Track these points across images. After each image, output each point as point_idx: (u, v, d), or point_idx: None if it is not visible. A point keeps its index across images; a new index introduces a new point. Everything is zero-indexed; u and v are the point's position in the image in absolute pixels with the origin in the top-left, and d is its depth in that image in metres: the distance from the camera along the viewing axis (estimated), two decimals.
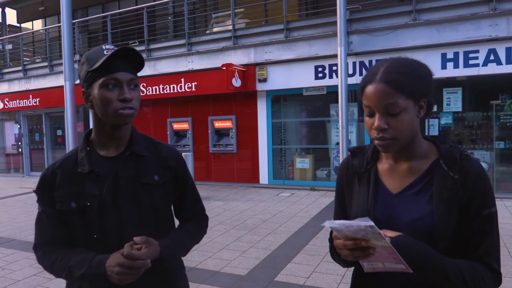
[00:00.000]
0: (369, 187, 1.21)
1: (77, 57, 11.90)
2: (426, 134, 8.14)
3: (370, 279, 1.20)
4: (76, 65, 11.77)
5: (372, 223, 0.98)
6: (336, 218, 1.34)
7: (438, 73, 7.77)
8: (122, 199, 1.32)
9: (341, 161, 7.91)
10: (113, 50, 1.27)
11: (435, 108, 8.10)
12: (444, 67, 7.74)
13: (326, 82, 8.81)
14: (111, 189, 1.31)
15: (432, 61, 7.79)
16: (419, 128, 1.17)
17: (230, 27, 9.82)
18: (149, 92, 10.78)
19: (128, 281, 1.20)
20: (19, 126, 14.07)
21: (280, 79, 9.25)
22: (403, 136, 1.11)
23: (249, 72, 9.46)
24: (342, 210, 1.31)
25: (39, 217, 1.38)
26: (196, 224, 1.51)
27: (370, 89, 1.09)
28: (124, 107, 1.28)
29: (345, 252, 1.06)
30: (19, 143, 14.12)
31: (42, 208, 1.35)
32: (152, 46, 10.85)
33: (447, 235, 1.09)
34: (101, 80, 1.26)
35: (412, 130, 1.12)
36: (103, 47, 1.30)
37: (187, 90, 10.14)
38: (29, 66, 13.41)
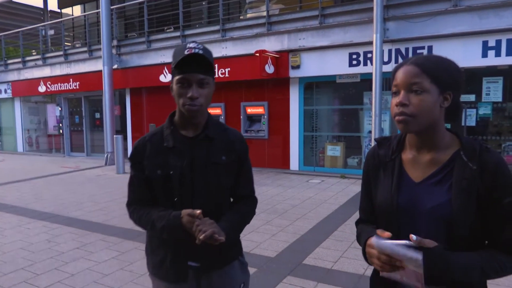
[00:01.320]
0: (393, 176, 1.29)
1: (114, 42, 12.23)
2: (463, 124, 7.94)
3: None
4: (114, 50, 12.15)
5: (421, 258, 1.04)
6: (362, 203, 1.44)
7: (479, 61, 7.53)
8: (195, 173, 1.56)
9: None
10: (193, 50, 1.48)
11: (471, 98, 7.87)
12: (485, 55, 7.49)
13: (360, 69, 8.72)
14: (188, 164, 1.57)
15: (472, 49, 7.55)
16: (443, 120, 1.23)
17: (264, 13, 9.83)
18: None
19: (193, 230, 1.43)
20: (60, 109, 14.72)
21: (313, 66, 9.21)
22: (422, 115, 1.17)
23: (282, 58, 9.47)
24: (368, 196, 1.39)
25: (131, 180, 1.65)
26: (247, 205, 1.70)
27: (401, 70, 1.20)
28: (191, 104, 1.50)
29: (376, 262, 1.16)
30: (60, 125, 14.79)
31: (133, 173, 1.63)
32: (187, 32, 11.02)
33: (465, 223, 1.15)
34: (177, 77, 1.51)
35: (432, 114, 1.18)
36: (187, 45, 1.50)
37: (221, 76, 10.27)
38: (69, 51, 13.93)
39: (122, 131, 12.84)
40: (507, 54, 7.32)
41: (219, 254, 1.62)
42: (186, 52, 1.46)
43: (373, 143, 8.10)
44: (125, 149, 11.43)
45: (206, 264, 1.61)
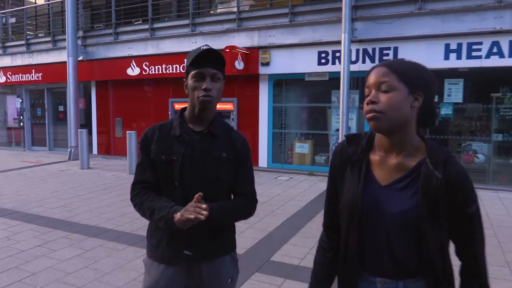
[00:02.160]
0: (360, 176, 1.30)
1: (80, 33, 11.86)
2: None
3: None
4: (79, 41, 11.77)
5: None
6: (328, 200, 1.45)
7: (441, 63, 7.80)
8: (196, 164, 1.70)
9: None
10: (205, 49, 1.65)
11: (436, 99, 8.15)
12: (447, 57, 7.77)
13: (329, 68, 8.84)
14: (190, 154, 1.70)
15: (435, 52, 7.82)
16: (414, 122, 1.25)
17: (235, 9, 9.79)
18: (151, 71, 10.80)
19: (189, 221, 1.51)
20: (21, 100, 14.11)
21: (283, 63, 9.27)
22: (391, 112, 1.19)
23: (252, 55, 9.47)
24: (334, 192, 1.40)
25: (139, 163, 1.77)
26: (243, 200, 1.78)
27: (371, 73, 1.25)
28: (205, 95, 1.65)
29: None
30: (21, 117, 14.19)
31: (141, 156, 1.77)
32: (156, 25, 10.83)
33: (433, 228, 1.20)
34: (192, 72, 1.67)
35: (402, 112, 1.20)
36: (201, 47, 1.67)
37: None
38: (32, 41, 13.37)
39: (86, 125, 12.49)
40: (468, 57, 7.63)
41: (212, 246, 1.73)
42: (200, 50, 1.65)
43: (340, 141, 8.28)
44: (90, 144, 11.12)
45: (198, 254, 1.72)
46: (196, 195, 1.54)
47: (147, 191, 1.72)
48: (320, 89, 9.58)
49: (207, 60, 1.65)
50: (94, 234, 4.81)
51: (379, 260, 1.27)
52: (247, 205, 1.79)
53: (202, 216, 1.48)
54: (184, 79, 1.74)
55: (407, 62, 1.25)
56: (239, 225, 5.21)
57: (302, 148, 9.64)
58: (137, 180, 1.77)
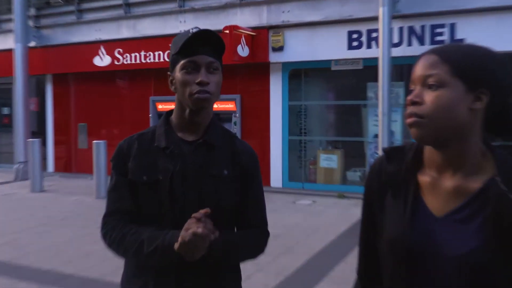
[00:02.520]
0: (407, 204, 1.27)
1: (31, 11, 12.02)
2: None
3: None
4: (30, 22, 11.87)
5: None
6: (364, 234, 1.44)
7: None
8: (188, 184, 1.68)
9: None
10: (199, 30, 1.64)
11: None
12: None
13: (363, 53, 8.82)
14: (181, 170, 1.68)
15: (507, 28, 7.73)
16: (478, 130, 1.20)
17: None
18: (126, 61, 10.87)
19: (197, 251, 1.52)
20: None
21: (301, 48, 9.26)
22: (438, 117, 1.16)
23: (260, 37, 9.49)
24: (371, 225, 1.39)
25: (112, 187, 1.76)
26: (253, 234, 1.79)
27: (418, 62, 1.24)
28: (200, 90, 1.63)
29: None
30: None
31: (115, 177, 1.76)
32: (132, 0, 10.89)
33: (503, 273, 1.15)
34: (181, 62, 1.66)
35: (455, 116, 1.17)
36: (190, 30, 1.66)
37: None
38: None
39: (40, 133, 12.55)
40: None
41: (213, 284, 1.72)
42: (190, 33, 1.64)
43: (380, 151, 8.19)
44: (44, 158, 11.12)
45: None
46: (203, 210, 1.54)
47: (126, 224, 1.70)
48: (351, 82, 9.54)
49: (202, 45, 1.65)
50: (49, 282, 4.75)
51: None
52: (256, 239, 1.80)
53: (212, 236, 1.51)
54: (168, 72, 1.74)
55: (466, 47, 1.22)
56: (245, 267, 5.10)
57: (329, 161, 9.58)
58: (111, 210, 1.75)
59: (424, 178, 1.28)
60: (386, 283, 1.33)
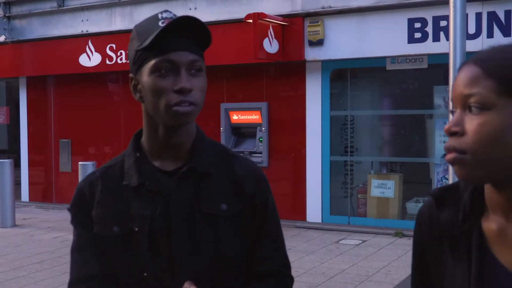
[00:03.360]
0: (471, 260, 1.24)
1: None
2: None
3: None
4: (0, 11, 12.13)
5: None
6: None
7: None
8: (173, 232, 1.60)
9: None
10: (171, 20, 1.51)
11: None
12: None
13: (428, 48, 8.80)
14: (164, 213, 1.60)
15: None
16: None
17: None
18: (120, 59, 11.02)
19: None
20: None
21: (346, 41, 9.28)
22: (481, 150, 1.13)
23: (293, 28, 9.55)
24: (426, 284, 1.39)
25: (74, 245, 1.70)
26: (270, 284, 1.70)
27: (458, 74, 1.21)
28: (181, 101, 1.51)
29: None
30: None
31: (77, 231, 1.69)
32: None
33: None
34: (152, 62, 1.52)
35: (505, 147, 1.13)
36: (159, 15, 1.55)
37: None
38: None
39: (11, 151, 12.74)
40: None
41: None
42: (161, 24, 1.51)
43: (450, 175, 8.12)
44: (17, 183, 11.29)
45: None
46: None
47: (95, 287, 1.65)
48: (413, 85, 9.54)
49: (180, 38, 1.54)
50: None
51: None
52: None
53: None
54: (130, 74, 1.65)
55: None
56: None
57: (384, 188, 9.53)
58: (75, 278, 1.69)
59: (490, 225, 1.26)
60: None
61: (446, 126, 1.17)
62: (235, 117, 10.43)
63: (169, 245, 1.60)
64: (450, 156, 1.16)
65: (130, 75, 1.63)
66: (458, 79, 1.18)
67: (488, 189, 1.24)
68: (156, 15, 1.55)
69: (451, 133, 1.15)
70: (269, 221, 1.71)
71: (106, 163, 1.74)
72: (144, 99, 1.59)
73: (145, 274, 1.58)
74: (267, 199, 1.71)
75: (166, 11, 1.58)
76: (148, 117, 1.62)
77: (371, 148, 10.00)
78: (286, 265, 1.76)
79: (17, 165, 12.18)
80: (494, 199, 1.23)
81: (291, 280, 1.76)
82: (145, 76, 1.54)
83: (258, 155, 10.19)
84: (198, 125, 1.70)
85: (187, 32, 1.53)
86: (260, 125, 10.18)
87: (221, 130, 10.46)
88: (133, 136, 1.71)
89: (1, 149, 12.42)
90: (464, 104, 1.15)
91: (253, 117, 10.25)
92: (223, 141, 10.40)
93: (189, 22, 1.51)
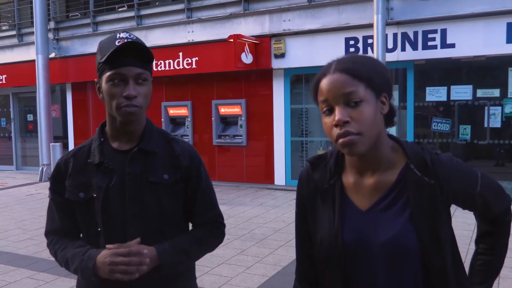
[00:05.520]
0: (335, 205, 1.31)
1: (51, 24, 12.20)
2: (486, 126, 8.16)
3: None
4: (50, 35, 12.08)
5: None
6: (299, 242, 1.45)
7: (503, 48, 7.76)
8: (127, 196, 1.61)
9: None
10: (125, 40, 1.53)
11: (495, 93, 8.09)
12: (510, 40, 7.72)
13: None
14: (118, 184, 1.61)
15: (494, 33, 7.79)
16: (385, 129, 1.30)
17: None
18: None
19: (122, 276, 1.46)
20: None
21: (301, 54, 9.37)
22: (368, 130, 1.19)
23: (263, 45, 9.61)
24: (306, 232, 1.41)
25: (49, 205, 1.73)
26: (205, 229, 1.73)
27: (325, 81, 1.23)
28: (128, 104, 1.53)
29: None
30: None
31: (52, 196, 1.71)
32: (144, 12, 11.08)
33: (439, 251, 1.22)
34: (108, 74, 1.54)
35: (376, 125, 1.22)
36: (117, 35, 1.56)
37: (186, 67, 10.33)
38: None
39: (62, 137, 12.77)
40: None
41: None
42: (117, 43, 1.51)
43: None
44: None
45: None
46: (134, 241, 1.50)
47: (59, 239, 1.68)
48: None
49: (129, 56, 1.53)
50: (66, 274, 4.89)
51: None
52: (212, 234, 1.75)
53: (143, 268, 1.46)
54: (95, 80, 1.63)
55: (363, 60, 1.26)
56: (246, 259, 5.28)
57: None
58: (47, 230, 1.74)
59: (348, 180, 1.32)
60: (323, 283, 1.36)
61: (338, 117, 1.18)
62: (223, 110, 10.48)
63: (123, 208, 1.60)
64: (347, 138, 1.17)
65: (96, 80, 1.62)
66: (329, 85, 1.21)
67: (348, 156, 1.30)
68: (115, 34, 1.56)
69: (344, 122, 1.17)
70: (201, 187, 1.71)
71: (78, 145, 1.74)
72: (104, 99, 1.59)
73: (99, 229, 1.60)
74: (199, 170, 1.72)
75: (124, 31, 1.58)
76: (109, 112, 1.63)
77: (320, 131, 10.09)
78: (219, 215, 1.78)
79: (66, 147, 12.22)
80: (353, 162, 1.30)
81: (223, 226, 1.78)
82: (103, 82, 1.56)
83: (240, 137, 10.26)
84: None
85: (135, 51, 1.54)
86: (240, 115, 10.25)
87: (213, 120, 10.49)
88: (99, 126, 1.71)
89: (56, 135, 12.38)
90: (345, 100, 1.19)
91: (235, 110, 10.31)
92: (213, 128, 10.49)
93: (136, 44, 1.54)
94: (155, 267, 1.53)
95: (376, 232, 1.25)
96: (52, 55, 11.99)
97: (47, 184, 7.82)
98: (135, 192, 1.60)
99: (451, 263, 1.25)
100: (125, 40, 1.52)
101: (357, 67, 1.22)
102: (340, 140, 1.19)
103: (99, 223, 1.60)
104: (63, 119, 13.08)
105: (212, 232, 1.74)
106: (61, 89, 13.01)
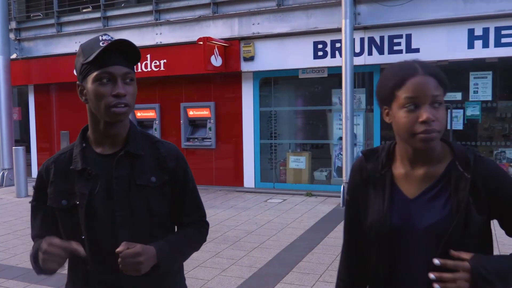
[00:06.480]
0: (385, 193, 1.47)
1: (13, 24, 11.87)
2: (449, 128, 8.41)
3: None
4: (12, 35, 11.75)
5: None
6: (347, 225, 1.61)
7: (464, 53, 8.02)
8: (115, 200, 1.57)
9: (344, 159, 8.14)
10: (109, 41, 1.50)
11: (457, 96, 8.37)
12: (471, 46, 7.99)
13: (328, 62, 9.00)
14: (104, 189, 1.57)
15: (456, 39, 8.04)
16: None
17: None
18: None
19: (51, 266, 1.48)
20: None
21: (270, 57, 9.41)
22: (443, 129, 1.37)
23: (232, 48, 9.60)
24: (354, 217, 1.56)
25: (31, 213, 1.71)
26: (194, 229, 1.75)
27: (416, 80, 1.36)
28: (117, 103, 1.50)
29: None
30: None
31: (34, 203, 1.68)
32: (110, 13, 10.90)
33: (469, 237, 1.36)
34: (95, 73, 1.50)
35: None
36: (100, 37, 1.53)
37: (154, 69, 10.23)
38: None
39: (23, 141, 12.42)
40: (496, 45, 7.85)
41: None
42: (102, 44, 1.49)
43: (345, 152, 8.38)
44: (28, 164, 11.04)
45: None
46: (121, 246, 1.45)
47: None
48: (317, 89, 9.73)
49: (116, 55, 1.51)
50: (35, 280, 4.75)
51: (415, 287, 1.42)
52: (199, 232, 1.77)
53: (142, 257, 1.45)
54: (77, 83, 1.59)
55: (437, 67, 1.43)
56: (221, 261, 5.27)
57: (298, 162, 9.74)
58: (32, 235, 1.71)
59: (398, 171, 1.48)
60: (370, 264, 1.51)
61: (428, 116, 1.31)
62: (191, 113, 10.41)
63: (112, 213, 1.57)
64: (430, 135, 1.33)
65: (77, 82, 1.58)
66: (421, 85, 1.34)
67: (401, 148, 1.47)
68: (98, 37, 1.54)
69: (432, 120, 1.32)
70: (188, 188, 1.72)
71: (59, 151, 1.72)
72: (88, 101, 1.55)
73: (82, 237, 1.56)
74: (186, 170, 1.73)
75: (105, 34, 1.56)
76: (92, 115, 1.59)
77: (289, 133, 10.22)
78: (204, 215, 1.80)
79: (28, 150, 11.92)
80: (406, 153, 1.46)
81: (207, 225, 1.81)
82: (89, 83, 1.51)
83: (208, 140, 10.21)
84: (135, 119, 1.66)
85: (121, 51, 1.51)
86: (209, 118, 10.20)
87: (181, 122, 10.41)
88: (81, 131, 1.68)
89: (16, 139, 12.06)
90: (432, 101, 1.34)
91: (204, 112, 10.25)
92: (182, 130, 10.41)
93: (123, 43, 1.50)
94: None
95: (420, 218, 1.41)
96: (14, 56, 11.69)
97: (10, 188, 7.77)
98: (124, 196, 1.58)
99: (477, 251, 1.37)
100: (109, 42, 1.50)
101: (441, 74, 1.39)
102: (423, 135, 1.33)
103: (82, 231, 1.57)
104: (24, 122, 12.73)
105: (200, 231, 1.77)
106: (23, 91, 12.68)
